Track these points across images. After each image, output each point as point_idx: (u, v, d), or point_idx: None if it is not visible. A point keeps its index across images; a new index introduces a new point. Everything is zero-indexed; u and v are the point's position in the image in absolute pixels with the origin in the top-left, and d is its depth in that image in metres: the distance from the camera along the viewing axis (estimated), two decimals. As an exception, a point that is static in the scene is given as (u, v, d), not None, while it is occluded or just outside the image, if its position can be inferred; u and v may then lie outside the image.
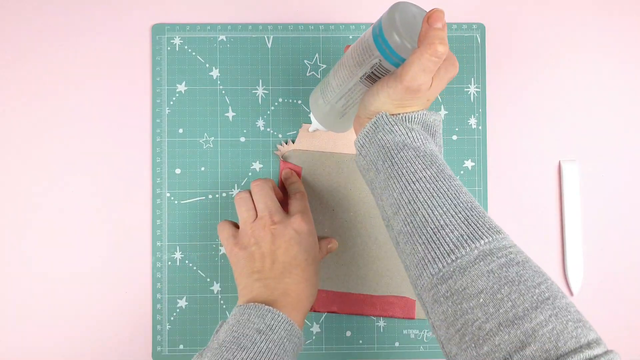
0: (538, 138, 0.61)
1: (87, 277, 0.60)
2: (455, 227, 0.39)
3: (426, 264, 0.39)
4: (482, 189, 0.61)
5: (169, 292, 0.60)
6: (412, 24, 0.42)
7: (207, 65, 0.60)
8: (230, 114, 0.60)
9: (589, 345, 0.34)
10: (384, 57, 0.42)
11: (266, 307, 0.48)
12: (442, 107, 0.61)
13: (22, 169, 0.60)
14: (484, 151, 0.61)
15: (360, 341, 0.60)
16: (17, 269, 0.59)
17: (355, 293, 0.60)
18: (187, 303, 0.60)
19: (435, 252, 0.39)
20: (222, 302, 0.60)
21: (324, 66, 0.61)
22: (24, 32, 0.60)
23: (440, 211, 0.40)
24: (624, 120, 0.61)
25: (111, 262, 0.60)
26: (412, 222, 0.40)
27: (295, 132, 0.60)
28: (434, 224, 0.39)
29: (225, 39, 0.60)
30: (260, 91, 0.60)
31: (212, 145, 0.60)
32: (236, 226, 0.56)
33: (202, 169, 0.60)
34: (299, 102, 0.60)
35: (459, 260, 0.38)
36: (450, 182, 0.41)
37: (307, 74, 0.61)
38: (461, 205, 0.40)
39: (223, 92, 0.60)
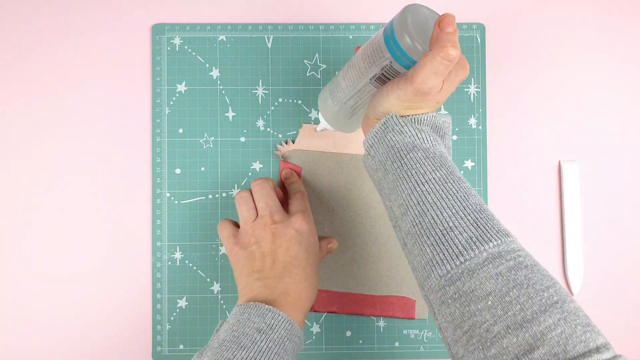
0: (538, 138, 0.61)
1: (87, 277, 0.60)
2: (464, 229, 0.39)
3: (434, 266, 0.39)
4: (482, 189, 0.61)
5: (169, 292, 0.60)
6: (423, 26, 0.42)
7: (207, 65, 0.60)
8: (230, 114, 0.60)
9: (597, 349, 0.34)
10: (395, 59, 0.42)
11: (266, 306, 0.48)
12: (442, 107, 0.61)
13: (22, 169, 0.60)
14: (484, 151, 0.61)
15: (360, 341, 0.60)
16: (17, 269, 0.59)
17: (355, 293, 0.60)
18: (187, 303, 0.60)
19: (444, 254, 0.39)
20: (222, 302, 0.60)
21: (324, 66, 0.61)
22: (24, 32, 0.60)
23: (450, 213, 0.40)
24: (624, 120, 0.61)
25: (111, 262, 0.60)
26: (420, 223, 0.40)
27: (295, 132, 0.60)
28: (443, 226, 0.39)
29: (225, 39, 0.60)
30: (260, 91, 0.60)
31: (212, 145, 0.60)
32: (236, 225, 0.56)
33: (202, 169, 0.60)
34: (299, 102, 0.60)
35: (467, 263, 0.38)
36: (459, 184, 0.41)
37: (307, 74, 0.61)
38: (470, 207, 0.40)
39: (223, 92, 0.60)
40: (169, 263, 0.60)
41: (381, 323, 0.60)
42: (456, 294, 0.38)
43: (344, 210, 0.60)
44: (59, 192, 0.60)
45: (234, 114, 0.60)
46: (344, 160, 0.60)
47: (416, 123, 0.44)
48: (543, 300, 0.35)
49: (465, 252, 0.38)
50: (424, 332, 0.60)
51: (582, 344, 0.34)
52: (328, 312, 0.60)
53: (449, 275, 0.38)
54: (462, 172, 0.61)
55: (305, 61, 0.61)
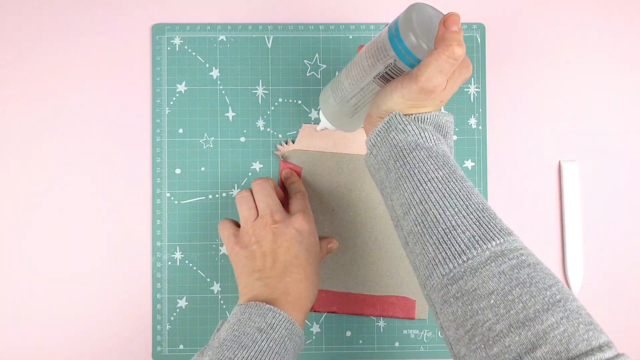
0: (538, 138, 0.61)
1: (87, 277, 0.60)
2: (467, 228, 0.39)
3: (436, 265, 0.39)
4: (482, 189, 0.61)
5: (169, 292, 0.60)
6: (428, 25, 0.42)
7: (207, 65, 0.60)
8: (230, 114, 0.60)
9: (600, 348, 0.34)
10: (399, 58, 0.42)
11: (267, 305, 0.48)
12: (442, 107, 0.61)
13: (22, 169, 0.60)
14: (484, 151, 0.61)
15: (360, 341, 0.60)
16: (17, 269, 0.59)
17: (355, 293, 0.60)
18: (187, 303, 0.60)
19: (446, 253, 0.39)
20: (222, 302, 0.60)
21: (324, 66, 0.61)
22: (24, 32, 0.60)
23: (452, 212, 0.40)
24: (624, 120, 0.61)
25: (111, 262, 0.60)
26: (423, 222, 0.40)
27: (295, 132, 0.60)
28: (446, 225, 0.39)
29: (225, 39, 0.60)
30: (260, 91, 0.60)
31: (212, 145, 0.60)
32: (237, 225, 0.56)
33: (202, 169, 0.60)
34: (299, 102, 0.60)
35: (470, 261, 0.38)
36: (462, 184, 0.41)
37: (307, 74, 0.61)
38: (473, 206, 0.40)
39: (223, 92, 0.60)
40: (169, 263, 0.60)
41: (381, 323, 0.60)
42: (458, 293, 0.38)
43: (344, 210, 0.60)
44: (59, 192, 0.60)
45: (234, 114, 0.60)
46: (344, 160, 0.60)
47: (419, 122, 0.44)
48: (546, 299, 0.35)
49: (467, 251, 0.38)
50: (424, 332, 0.60)
51: (585, 343, 0.34)
52: (328, 312, 0.60)
53: (452, 274, 0.38)
54: (462, 172, 0.61)
55: (305, 61, 0.61)
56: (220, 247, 0.60)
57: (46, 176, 0.60)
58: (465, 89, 0.61)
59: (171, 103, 0.60)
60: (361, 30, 0.61)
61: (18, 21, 0.60)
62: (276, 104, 0.60)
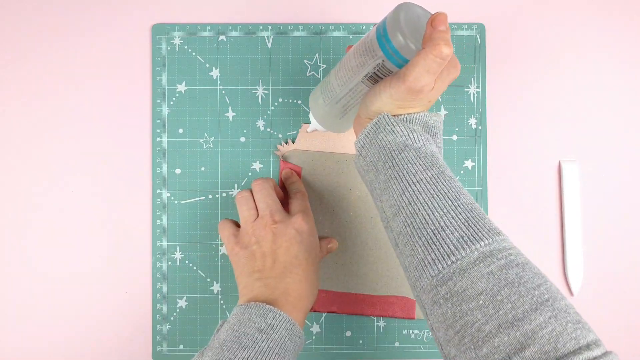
0: (538, 138, 0.61)
1: (87, 277, 0.60)
2: (456, 229, 0.39)
3: (426, 266, 0.39)
4: (482, 189, 0.61)
5: (169, 292, 0.60)
6: (416, 25, 0.42)
7: (207, 65, 0.60)
8: (230, 114, 0.60)
9: (588, 346, 0.34)
10: (387, 58, 0.42)
11: (267, 306, 0.48)
12: (442, 107, 0.61)
13: (22, 169, 0.60)
14: (484, 151, 0.61)
15: (360, 341, 0.60)
16: (17, 269, 0.59)
17: (355, 293, 0.60)
18: (187, 303, 0.60)
19: (435, 254, 0.39)
20: (222, 302, 0.60)
21: (324, 66, 0.61)
22: (24, 32, 0.60)
23: (441, 212, 0.40)
24: (624, 120, 0.61)
25: (111, 262, 0.60)
26: (412, 224, 0.40)
27: (295, 132, 0.60)
28: (434, 225, 0.39)
29: (225, 39, 0.60)
30: (260, 91, 0.60)
31: (212, 145, 0.60)
32: (237, 225, 0.56)
33: (202, 169, 0.60)
34: (299, 102, 0.60)
35: (459, 262, 0.38)
36: (450, 184, 0.41)
37: (307, 74, 0.61)
38: (461, 206, 0.40)
39: (223, 92, 0.60)
40: (169, 263, 0.60)
41: (381, 323, 0.60)
42: (448, 294, 0.38)
43: (344, 210, 0.60)
44: (59, 192, 0.60)
45: (234, 114, 0.60)
46: (344, 160, 0.60)
47: (408, 122, 0.44)
48: (534, 299, 0.36)
49: (456, 252, 0.38)
50: (424, 332, 0.60)
51: (573, 342, 0.34)
52: (328, 312, 0.60)
53: (441, 275, 0.38)
54: (462, 172, 0.61)
55: (305, 61, 0.61)
56: (220, 247, 0.60)
57: (46, 176, 0.60)
58: (465, 89, 0.61)
59: (171, 103, 0.60)
60: (361, 30, 0.61)
61: (18, 21, 0.60)
62: (276, 104, 0.60)
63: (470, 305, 0.37)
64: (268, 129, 0.60)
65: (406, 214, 0.41)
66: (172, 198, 0.60)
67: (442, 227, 0.39)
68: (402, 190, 0.41)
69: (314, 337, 0.60)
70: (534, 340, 0.34)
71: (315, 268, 0.53)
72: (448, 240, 0.39)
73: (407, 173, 0.42)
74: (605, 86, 0.61)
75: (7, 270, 0.59)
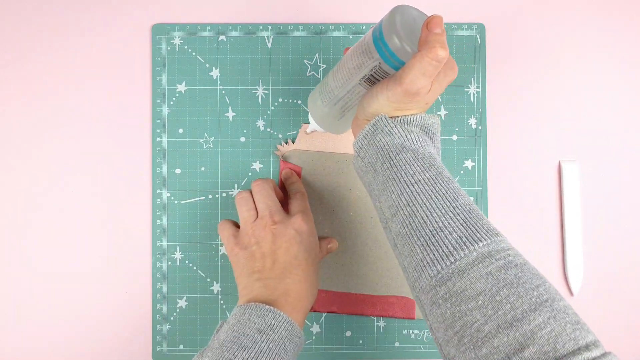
0: (538, 138, 0.61)
1: (87, 277, 0.60)
2: (454, 229, 0.39)
3: (425, 266, 0.39)
4: (482, 189, 0.61)
5: (169, 292, 0.60)
6: (412, 27, 0.42)
7: (207, 65, 0.60)
8: (230, 114, 0.60)
9: (587, 347, 0.34)
10: (384, 60, 0.43)
11: (267, 306, 0.48)
12: (442, 107, 0.61)
13: (22, 169, 0.60)
14: (484, 151, 0.61)
15: (360, 341, 0.60)
16: (17, 268, 0.59)
17: (355, 293, 0.60)
18: (187, 303, 0.60)
19: (434, 254, 0.39)
20: (222, 302, 0.60)
21: (324, 66, 0.61)
22: (24, 32, 0.60)
23: (439, 213, 0.40)
24: (624, 120, 0.61)
25: (111, 262, 0.60)
26: (410, 224, 0.41)
27: (295, 132, 0.60)
28: (433, 226, 0.39)
29: (225, 39, 0.60)
30: (260, 91, 0.60)
31: (212, 145, 0.60)
32: (237, 226, 0.56)
33: (202, 169, 0.60)
34: (299, 102, 0.60)
35: (457, 262, 0.38)
36: (448, 185, 0.42)
37: (307, 74, 0.61)
38: (460, 207, 0.40)
39: (223, 92, 0.60)
40: (169, 263, 0.60)
41: (381, 323, 0.60)
42: (447, 294, 0.38)
43: (344, 210, 0.60)
44: (59, 192, 0.60)
45: (234, 114, 0.60)
46: (343, 160, 0.60)
47: (405, 124, 0.44)
48: (533, 299, 0.36)
49: (455, 252, 0.38)
50: (424, 332, 0.60)
51: (572, 342, 0.34)
52: (328, 312, 0.60)
53: (440, 275, 0.38)
54: (462, 172, 0.61)
55: (305, 61, 0.61)
56: (220, 247, 0.60)
57: (46, 176, 0.60)
58: (465, 89, 0.61)
59: (171, 103, 0.60)
60: (361, 30, 0.61)
61: (18, 21, 0.60)
62: (276, 104, 0.60)
63: (470, 306, 0.37)
64: (268, 129, 0.60)
65: (405, 214, 0.41)
66: (172, 198, 0.60)
67: (440, 228, 0.39)
68: (401, 191, 0.42)
69: (314, 337, 0.60)
70: (533, 340, 0.34)
71: (315, 268, 0.53)
72: (447, 240, 0.39)
73: (405, 174, 0.42)
74: (605, 86, 0.61)
75: (7, 270, 0.59)
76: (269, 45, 0.60)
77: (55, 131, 0.60)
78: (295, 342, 0.48)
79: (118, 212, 0.60)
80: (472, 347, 0.36)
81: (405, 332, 0.60)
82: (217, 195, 0.60)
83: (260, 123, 0.60)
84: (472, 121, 0.61)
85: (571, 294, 0.61)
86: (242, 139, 0.60)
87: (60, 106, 0.60)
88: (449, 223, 0.39)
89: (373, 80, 0.45)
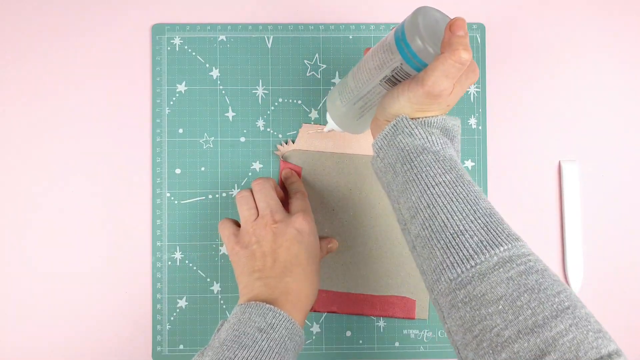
0: (538, 138, 0.61)
1: (87, 277, 0.60)
2: (475, 233, 0.39)
3: (444, 269, 0.39)
4: (482, 189, 0.61)
5: (169, 292, 0.60)
6: (434, 28, 0.42)
7: (207, 65, 0.60)
8: (230, 114, 0.60)
9: (609, 356, 0.34)
10: (406, 61, 0.42)
11: (267, 305, 0.48)
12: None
13: (22, 169, 0.60)
14: (484, 151, 0.61)
15: (360, 341, 0.60)
16: (17, 268, 0.59)
17: (355, 293, 0.60)
18: (187, 303, 0.60)
19: (454, 257, 0.38)
20: (222, 302, 0.60)
21: (324, 66, 0.61)
22: (24, 32, 0.60)
23: (460, 216, 0.39)
24: (624, 120, 0.61)
25: (111, 262, 0.60)
26: (430, 227, 0.40)
27: (295, 132, 0.60)
28: (453, 229, 0.39)
29: (225, 39, 0.60)
30: (260, 91, 0.60)
31: (212, 145, 0.60)
32: (237, 224, 0.56)
33: (202, 169, 0.60)
34: (299, 102, 0.60)
35: (478, 266, 0.38)
36: (469, 188, 0.41)
37: (307, 74, 0.61)
38: (480, 211, 0.40)
39: (223, 92, 0.60)
40: (169, 263, 0.60)
41: (381, 323, 0.60)
42: (466, 298, 0.38)
43: (344, 210, 0.60)
44: (59, 192, 0.60)
45: (234, 114, 0.60)
46: (344, 160, 0.60)
47: (426, 126, 0.44)
48: (554, 306, 0.35)
49: (475, 256, 0.38)
50: (424, 332, 0.60)
51: (594, 350, 0.34)
52: (328, 312, 0.60)
53: (460, 278, 0.38)
54: (462, 172, 0.61)
55: (305, 61, 0.61)
56: (220, 247, 0.60)
57: (46, 176, 0.60)
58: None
59: (171, 103, 0.60)
60: (361, 30, 0.61)
61: (18, 21, 0.60)
62: (276, 104, 0.60)
63: (490, 310, 0.36)
64: (268, 129, 0.60)
65: (424, 217, 0.41)
66: (172, 198, 0.60)
67: (461, 231, 0.39)
68: (421, 192, 0.41)
69: (314, 337, 0.60)
70: (555, 347, 0.34)
71: (316, 268, 0.53)
72: (467, 244, 0.38)
73: (426, 176, 0.41)
74: (605, 86, 0.61)
75: (7, 270, 0.59)
76: (269, 45, 0.61)
77: (55, 131, 0.60)
78: (296, 341, 0.48)
79: (118, 212, 0.60)
80: (491, 351, 0.36)
81: (405, 332, 0.60)
82: (217, 195, 0.60)
83: (260, 123, 0.60)
84: (472, 121, 0.61)
85: (571, 294, 0.61)
86: (242, 139, 0.60)
87: (60, 106, 0.60)
88: (469, 226, 0.39)
89: (394, 81, 0.45)
